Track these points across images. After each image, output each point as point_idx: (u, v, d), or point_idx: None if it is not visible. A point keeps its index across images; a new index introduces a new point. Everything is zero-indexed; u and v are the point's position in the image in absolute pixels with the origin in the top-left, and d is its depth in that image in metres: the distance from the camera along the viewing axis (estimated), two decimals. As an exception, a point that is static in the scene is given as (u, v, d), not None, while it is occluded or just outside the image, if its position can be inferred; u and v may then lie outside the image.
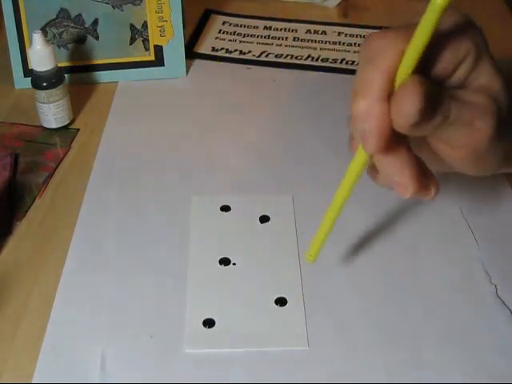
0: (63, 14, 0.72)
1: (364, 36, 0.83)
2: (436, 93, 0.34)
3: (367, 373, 0.45)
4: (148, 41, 0.74)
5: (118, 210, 0.58)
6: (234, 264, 0.53)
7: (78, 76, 0.74)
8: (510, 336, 0.47)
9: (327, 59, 0.79)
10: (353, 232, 0.55)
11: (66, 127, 0.67)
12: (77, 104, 0.69)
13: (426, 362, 0.46)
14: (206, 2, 0.90)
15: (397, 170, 0.37)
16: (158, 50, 0.75)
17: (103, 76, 0.75)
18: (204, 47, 0.81)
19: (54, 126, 0.66)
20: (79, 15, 0.72)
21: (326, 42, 0.82)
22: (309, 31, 0.84)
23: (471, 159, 0.38)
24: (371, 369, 0.45)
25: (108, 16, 0.72)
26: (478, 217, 0.57)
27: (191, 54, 0.80)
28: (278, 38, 0.83)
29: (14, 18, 0.71)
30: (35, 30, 0.63)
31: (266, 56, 0.79)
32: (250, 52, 0.80)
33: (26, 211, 0.58)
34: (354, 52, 0.80)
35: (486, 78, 0.36)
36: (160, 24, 0.73)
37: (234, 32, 0.84)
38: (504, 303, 0.50)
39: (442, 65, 0.35)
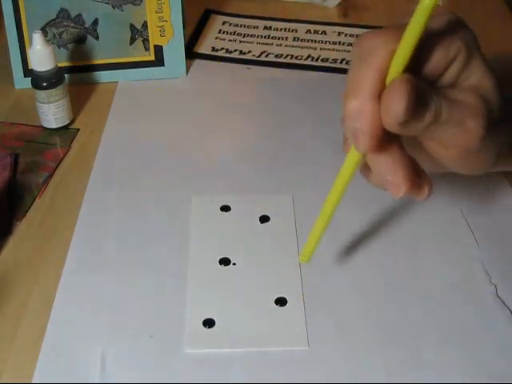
0: (63, 14, 0.72)
1: (364, 36, 0.83)
2: (426, 91, 0.34)
3: (367, 373, 0.45)
4: (148, 41, 0.74)
5: (118, 210, 0.58)
6: (234, 264, 0.53)
7: (77, 76, 0.74)
8: (510, 336, 0.47)
9: (327, 59, 0.79)
10: (352, 232, 0.55)
11: (65, 127, 0.67)
12: (77, 104, 0.69)
13: (426, 362, 0.46)
14: (206, 1, 0.90)
15: (389, 169, 0.36)
16: (158, 50, 0.75)
17: (103, 76, 0.75)
18: (204, 47, 0.81)
19: (53, 125, 0.66)
20: (79, 15, 0.72)
21: (325, 42, 0.82)
22: (309, 31, 0.84)
23: (463, 159, 0.38)
24: (371, 369, 0.45)
25: (108, 16, 0.72)
26: (477, 217, 0.57)
27: (191, 54, 0.79)
28: (278, 38, 0.83)
29: (14, 18, 0.71)
30: (35, 30, 0.63)
31: (266, 56, 0.79)
32: (249, 52, 0.80)
33: (26, 211, 0.58)
34: (354, 52, 0.80)
35: (477, 77, 0.36)
36: (160, 24, 0.73)
37: (234, 32, 0.84)
38: (504, 303, 0.50)
39: (433, 64, 0.35)
